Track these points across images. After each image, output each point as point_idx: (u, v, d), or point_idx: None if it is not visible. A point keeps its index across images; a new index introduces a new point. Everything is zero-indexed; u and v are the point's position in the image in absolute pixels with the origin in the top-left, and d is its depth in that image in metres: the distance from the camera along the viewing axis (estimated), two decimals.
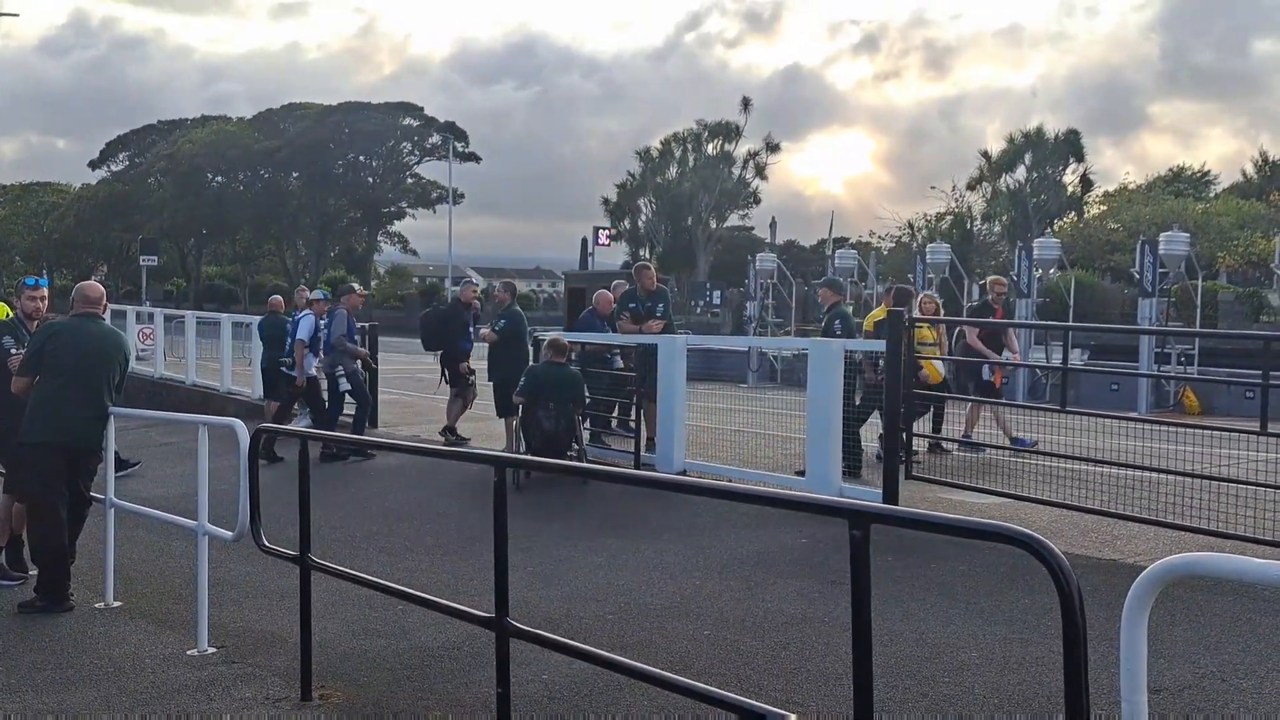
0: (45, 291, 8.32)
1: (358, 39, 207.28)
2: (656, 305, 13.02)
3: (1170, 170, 66.39)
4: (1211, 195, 59.61)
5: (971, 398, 12.16)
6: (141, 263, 48.96)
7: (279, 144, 69.65)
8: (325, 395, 13.67)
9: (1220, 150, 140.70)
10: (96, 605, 7.07)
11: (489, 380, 13.24)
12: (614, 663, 3.90)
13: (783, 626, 6.37)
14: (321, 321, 13.58)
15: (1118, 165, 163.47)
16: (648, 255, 69.45)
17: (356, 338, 13.89)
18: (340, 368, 13.53)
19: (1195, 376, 19.72)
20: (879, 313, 12.96)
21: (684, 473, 10.87)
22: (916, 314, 12.19)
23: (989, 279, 14.69)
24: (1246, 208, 47.37)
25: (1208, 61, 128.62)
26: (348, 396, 13.78)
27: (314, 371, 13.52)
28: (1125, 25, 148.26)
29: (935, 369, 11.80)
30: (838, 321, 11.82)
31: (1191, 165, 67.17)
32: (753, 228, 72.49)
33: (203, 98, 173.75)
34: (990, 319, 13.05)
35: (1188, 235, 22.73)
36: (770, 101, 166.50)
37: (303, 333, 13.53)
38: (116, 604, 7.09)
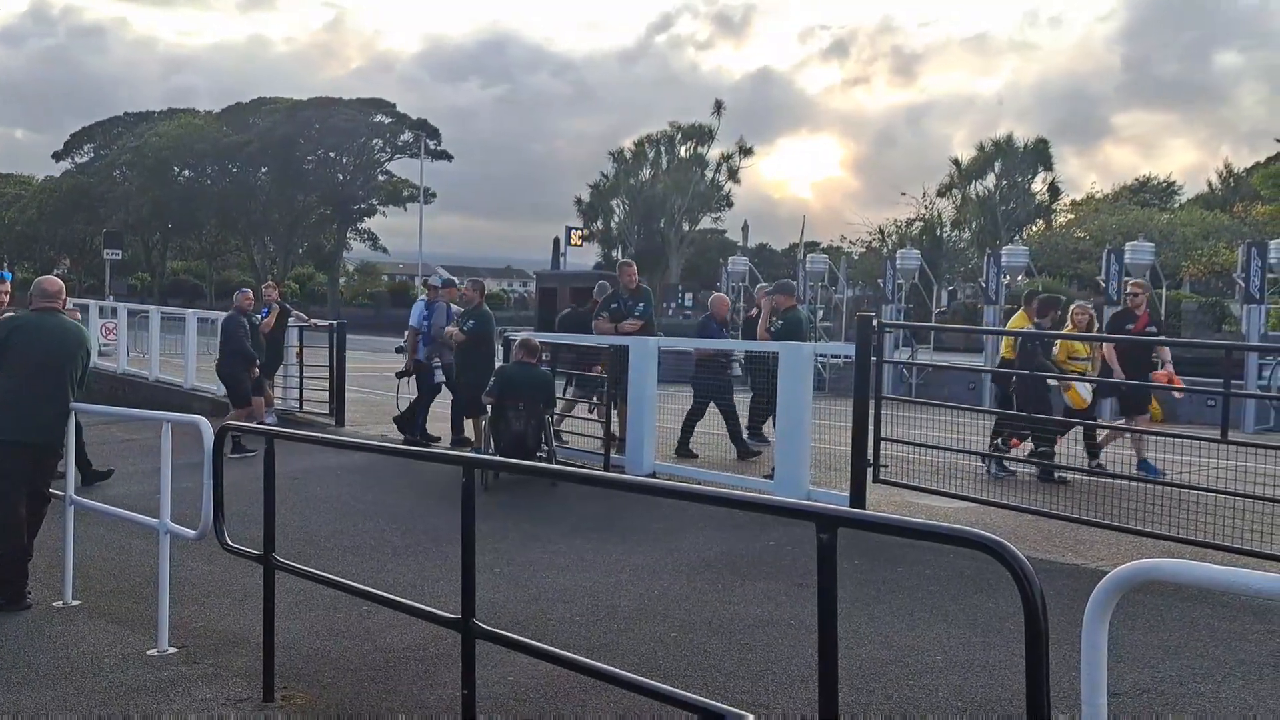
0: (7, 285, 8.20)
1: (325, 33, 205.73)
2: (637, 305, 12.86)
3: (1136, 180, 67.24)
4: (1176, 205, 60.36)
5: (943, 403, 12.17)
6: (105, 256, 48.47)
7: (248, 138, 69.05)
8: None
9: (1182, 161, 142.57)
10: (55, 604, 6.99)
11: (457, 380, 13.22)
12: (580, 664, 3.90)
13: (749, 628, 6.38)
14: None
15: (1081, 174, 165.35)
16: (620, 257, 69.44)
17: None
18: (437, 359, 13.72)
19: (1159, 384, 19.90)
20: (1020, 319, 11.89)
21: (653, 475, 10.87)
22: (1067, 326, 11.41)
23: (1129, 282, 13.14)
24: (1210, 218, 47.97)
25: (1171, 73, 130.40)
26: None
27: (423, 358, 13.73)
28: (1090, 36, 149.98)
29: (1078, 393, 10.66)
30: (779, 323, 12.07)
31: (1156, 175, 68.06)
32: (725, 231, 72.70)
33: (164, 89, 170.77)
34: (1132, 329, 11.61)
35: (1153, 245, 22.98)
36: (740, 105, 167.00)
37: (416, 319, 13.97)
38: (75, 603, 7.01)
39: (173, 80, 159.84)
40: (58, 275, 8.06)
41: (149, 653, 5.98)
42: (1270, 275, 19.72)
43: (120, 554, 8.47)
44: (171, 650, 6.00)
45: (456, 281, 15.08)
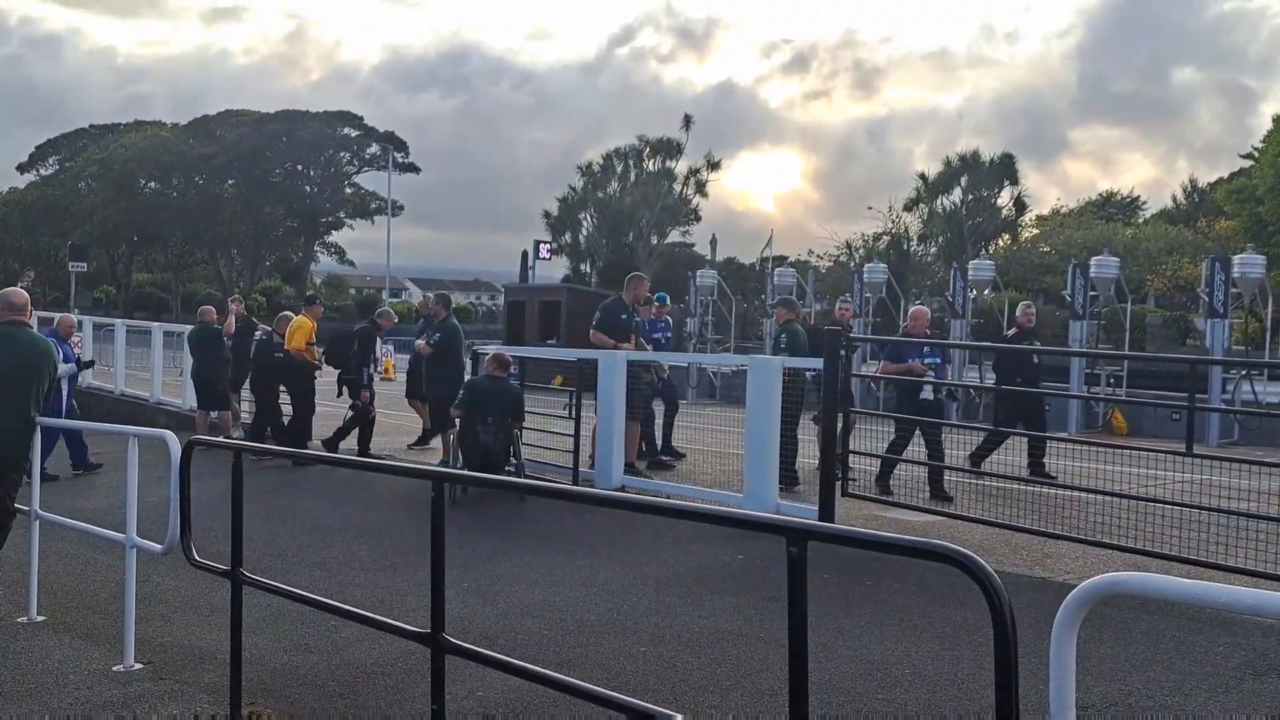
0: None
1: (286, 44, 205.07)
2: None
3: (1100, 195, 68.01)
4: (1140, 221, 61.07)
5: (906, 416, 12.17)
6: (70, 269, 47.96)
7: (214, 150, 68.68)
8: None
9: (1140, 176, 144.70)
10: (19, 619, 6.90)
11: (425, 394, 13.20)
12: (550, 679, 3.89)
13: (718, 642, 6.38)
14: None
15: (1041, 189, 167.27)
16: (588, 270, 69.47)
17: (648, 345, 13.22)
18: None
19: (1123, 398, 20.13)
20: None
21: (622, 488, 10.87)
22: None
23: None
24: (1174, 233, 48.55)
25: (1128, 89, 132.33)
26: None
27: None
28: (1048, 52, 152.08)
29: None
30: (784, 336, 11.93)
31: (1119, 190, 68.91)
32: (693, 244, 72.84)
33: (120, 99, 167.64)
34: None
35: (1117, 260, 23.23)
36: (703, 117, 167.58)
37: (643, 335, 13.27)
38: (40, 618, 6.93)
39: (129, 90, 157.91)
40: (22, 288, 7.94)
41: (115, 669, 5.92)
42: (1233, 290, 20.00)
43: (86, 569, 8.38)
44: (138, 666, 5.94)
45: (658, 300, 14.29)
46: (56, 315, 14.75)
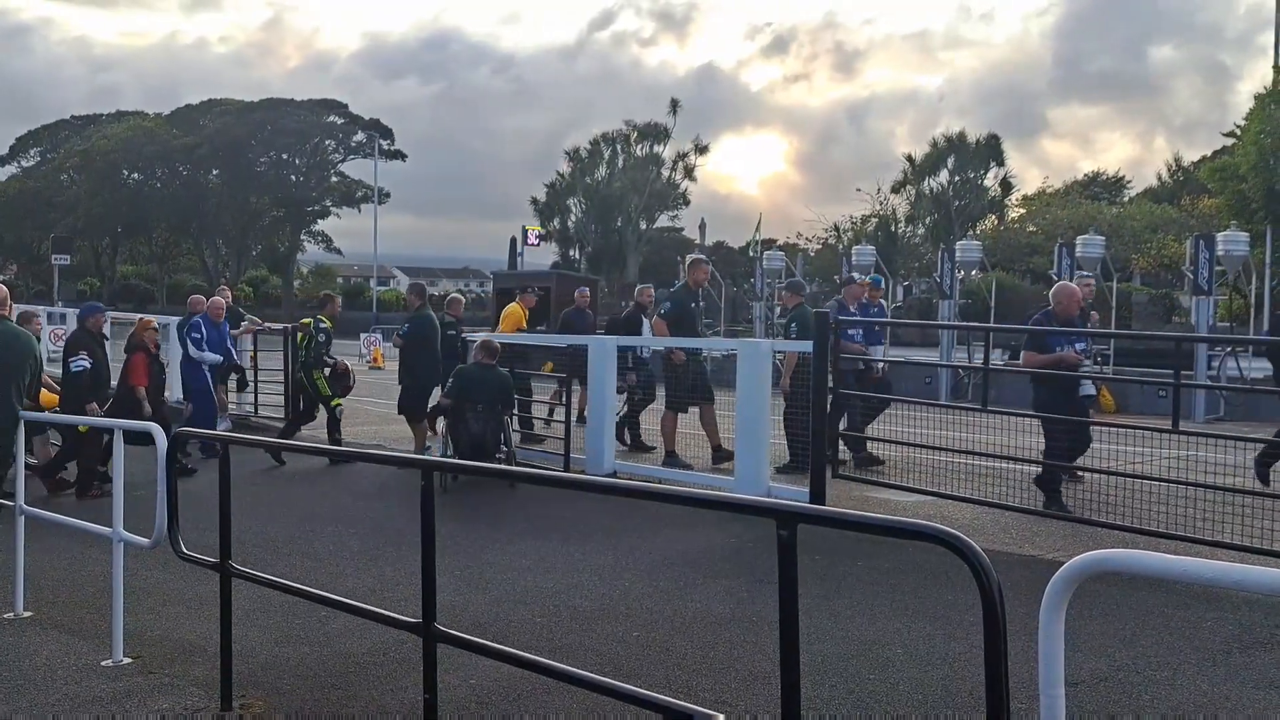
0: None
1: (263, 32, 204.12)
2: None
3: (1086, 175, 68.21)
4: (1125, 199, 61.25)
5: (899, 398, 12.19)
6: (54, 261, 47.83)
7: (198, 141, 68.27)
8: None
9: (1119, 155, 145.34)
10: (6, 616, 6.86)
11: (399, 383, 13.13)
12: (543, 666, 3.89)
13: (711, 626, 6.39)
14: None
15: (1022, 169, 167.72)
16: (577, 256, 69.43)
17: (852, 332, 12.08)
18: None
19: (1110, 376, 20.18)
20: None
21: (614, 474, 10.87)
22: None
23: None
24: (1159, 211, 48.68)
25: (1106, 67, 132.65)
26: None
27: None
28: (1026, 31, 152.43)
29: None
30: (794, 324, 11.72)
31: (1103, 170, 69.28)
32: (682, 229, 72.86)
33: (94, 89, 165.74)
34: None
35: (1103, 238, 23.27)
36: (685, 101, 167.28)
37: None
38: (27, 614, 6.88)
39: (105, 79, 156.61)
40: (3, 281, 7.89)
41: (104, 663, 5.88)
42: (1218, 268, 20.05)
43: (73, 563, 8.33)
44: (127, 660, 5.90)
45: (856, 278, 13.74)
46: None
